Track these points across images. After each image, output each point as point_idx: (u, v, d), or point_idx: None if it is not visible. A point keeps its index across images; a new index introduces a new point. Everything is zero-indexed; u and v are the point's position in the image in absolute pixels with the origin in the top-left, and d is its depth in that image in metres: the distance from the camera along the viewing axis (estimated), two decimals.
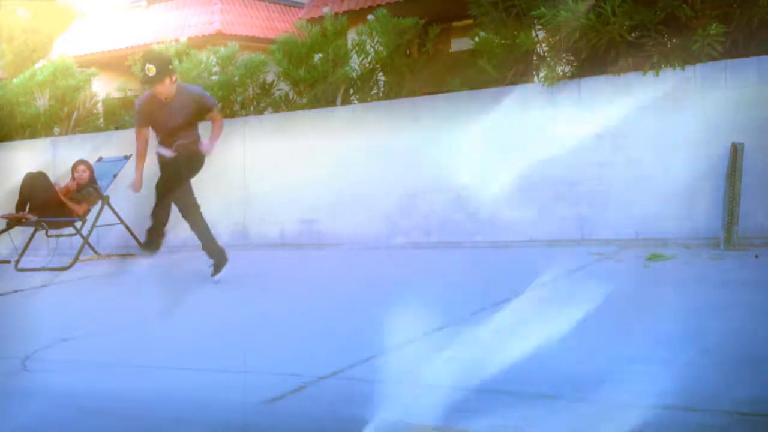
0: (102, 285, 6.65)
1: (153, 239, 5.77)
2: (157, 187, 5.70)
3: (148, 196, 5.85)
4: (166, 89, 5.57)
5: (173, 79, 5.60)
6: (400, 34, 7.65)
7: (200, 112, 5.75)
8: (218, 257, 5.86)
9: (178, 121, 5.64)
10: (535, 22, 6.64)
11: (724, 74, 5.96)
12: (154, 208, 5.71)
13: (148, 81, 5.51)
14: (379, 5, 11.45)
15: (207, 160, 5.88)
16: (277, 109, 8.42)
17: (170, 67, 5.59)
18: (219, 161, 8.24)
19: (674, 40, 6.17)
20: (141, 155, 5.90)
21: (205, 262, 5.96)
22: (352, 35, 8.13)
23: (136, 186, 5.90)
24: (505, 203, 6.75)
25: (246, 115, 8.57)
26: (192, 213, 5.84)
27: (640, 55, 6.20)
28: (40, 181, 7.66)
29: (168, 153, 5.65)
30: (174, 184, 5.67)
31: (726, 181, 5.73)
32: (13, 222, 7.58)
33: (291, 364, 3.49)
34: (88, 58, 15.97)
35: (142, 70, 5.55)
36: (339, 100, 8.00)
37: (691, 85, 6.08)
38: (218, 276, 5.82)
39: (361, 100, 7.92)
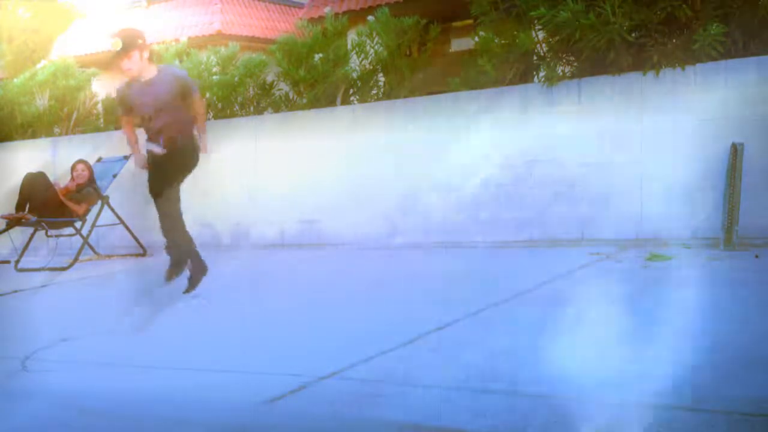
0: (102, 285, 6.65)
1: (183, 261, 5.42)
2: (151, 188, 5.35)
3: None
4: (134, 65, 5.18)
5: (144, 55, 5.19)
6: (400, 34, 7.64)
7: (183, 94, 5.33)
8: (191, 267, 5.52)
9: (162, 101, 5.25)
10: (535, 22, 6.64)
11: (724, 74, 5.96)
12: (165, 225, 5.33)
13: (116, 56, 5.16)
14: (379, 5, 11.44)
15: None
16: (277, 109, 8.42)
17: (139, 41, 5.18)
18: (219, 162, 8.26)
19: (674, 40, 6.16)
20: (133, 142, 5.53)
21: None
22: (352, 35, 8.13)
23: (140, 163, 5.49)
24: (504, 203, 6.76)
25: (246, 115, 8.57)
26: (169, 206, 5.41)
27: (640, 55, 6.20)
28: (40, 181, 7.67)
29: (158, 149, 5.31)
30: (169, 181, 5.31)
31: (726, 181, 5.73)
32: (13, 222, 7.59)
33: (291, 364, 3.49)
34: (88, 58, 15.94)
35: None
36: (339, 100, 8.00)
37: (691, 85, 6.08)
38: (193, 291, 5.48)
39: (361, 101, 7.92)
